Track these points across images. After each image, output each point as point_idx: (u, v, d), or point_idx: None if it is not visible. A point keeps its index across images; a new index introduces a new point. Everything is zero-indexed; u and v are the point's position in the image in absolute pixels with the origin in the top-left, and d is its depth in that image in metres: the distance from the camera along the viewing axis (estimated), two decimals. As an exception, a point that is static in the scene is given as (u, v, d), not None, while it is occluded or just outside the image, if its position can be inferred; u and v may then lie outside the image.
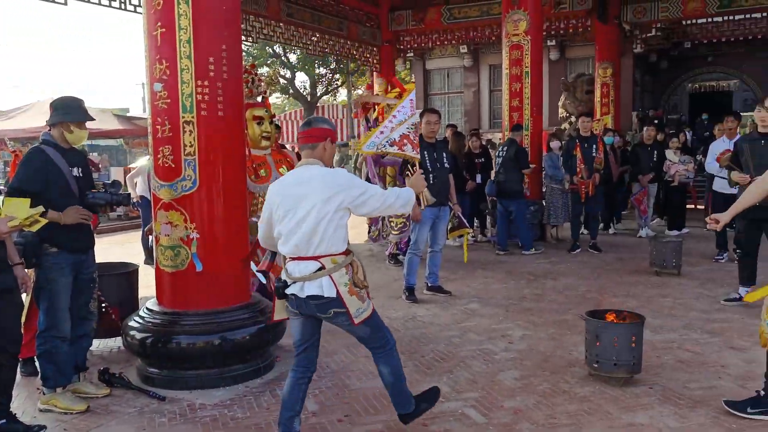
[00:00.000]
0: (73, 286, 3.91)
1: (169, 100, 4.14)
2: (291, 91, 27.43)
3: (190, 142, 4.14)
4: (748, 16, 15.10)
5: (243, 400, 3.97)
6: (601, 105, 14.75)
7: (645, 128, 10.35)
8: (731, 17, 15.13)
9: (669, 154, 9.96)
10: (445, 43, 17.16)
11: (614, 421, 3.48)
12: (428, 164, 6.19)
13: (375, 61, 15.93)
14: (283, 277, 3.08)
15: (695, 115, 20.95)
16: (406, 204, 3.21)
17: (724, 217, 4.01)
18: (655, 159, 9.74)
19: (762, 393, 3.49)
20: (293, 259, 3.04)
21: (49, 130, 3.92)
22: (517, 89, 9.66)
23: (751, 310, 5.45)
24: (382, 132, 5.36)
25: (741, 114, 10.42)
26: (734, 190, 7.58)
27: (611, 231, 10.51)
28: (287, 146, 6.89)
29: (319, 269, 2.98)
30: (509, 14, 9.64)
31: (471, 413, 3.65)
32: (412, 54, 19.82)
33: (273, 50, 25.74)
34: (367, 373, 4.34)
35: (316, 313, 3.05)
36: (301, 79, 29.48)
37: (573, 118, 14.86)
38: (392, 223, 6.80)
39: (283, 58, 26.39)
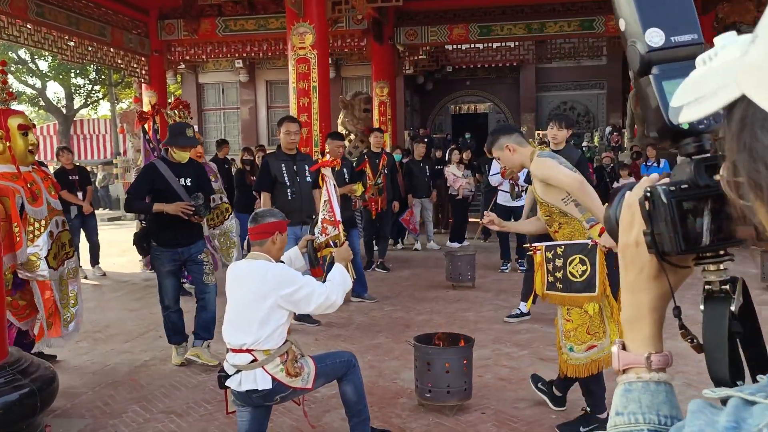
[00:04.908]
0: (186, 268, 5.03)
1: None
2: (42, 102, 24.31)
3: None
4: (503, 44, 16.62)
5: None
6: (380, 123, 15.10)
7: (415, 145, 10.65)
8: (489, 44, 16.51)
9: (453, 169, 10.36)
10: (221, 56, 16.42)
11: (459, 457, 3.23)
12: (286, 178, 5.63)
13: (143, 71, 14.63)
14: (225, 367, 3.07)
15: (458, 134, 22.58)
16: (346, 284, 3.20)
17: (503, 224, 3.86)
18: (428, 174, 10.08)
19: (588, 410, 3.50)
20: (232, 350, 3.05)
21: None
22: (305, 104, 9.35)
23: (545, 318, 5.67)
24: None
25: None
26: (516, 203, 8.04)
27: (399, 246, 10.63)
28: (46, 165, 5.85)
29: (252, 361, 2.99)
30: (294, 27, 9.31)
31: (302, 469, 3.16)
32: (183, 66, 18.69)
33: (18, 56, 22.61)
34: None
35: (264, 403, 3.05)
36: (54, 90, 26.44)
37: (352, 136, 15.04)
38: None
39: (30, 64, 23.31)
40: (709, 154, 0.75)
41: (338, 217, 4.48)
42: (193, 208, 4.67)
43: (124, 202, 4.80)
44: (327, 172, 4.66)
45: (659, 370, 0.78)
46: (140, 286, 8.02)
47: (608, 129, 19.35)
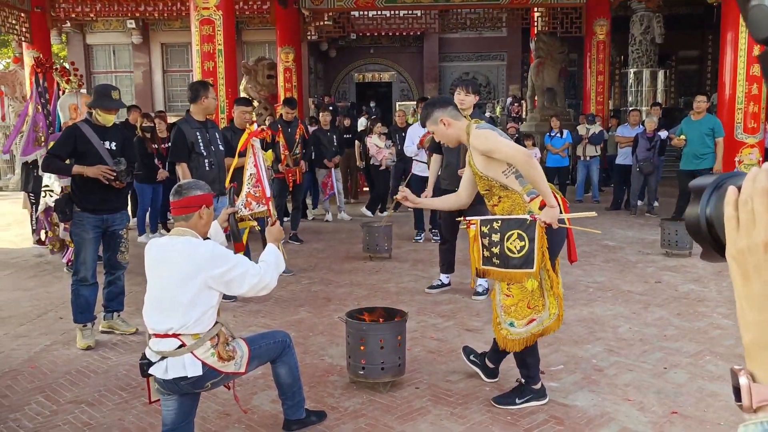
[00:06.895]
0: (102, 241, 4.66)
1: None
2: None
3: None
4: (410, 12, 16.49)
5: None
6: (285, 90, 14.66)
7: (321, 113, 10.37)
8: (396, 12, 16.34)
9: (375, 139, 10.27)
10: (111, 15, 15.33)
11: (399, 436, 3.14)
12: (202, 147, 5.26)
13: (24, 29, 13.40)
14: (147, 354, 2.81)
15: (362, 103, 22.40)
16: (280, 265, 2.99)
17: (417, 200, 3.71)
18: (335, 143, 9.84)
19: (523, 381, 3.50)
20: (155, 335, 2.79)
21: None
22: (211, 68, 8.88)
23: (466, 288, 5.70)
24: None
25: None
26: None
27: (310, 218, 10.41)
28: None
29: (180, 347, 2.74)
30: (197, -15, 8.77)
31: (235, 458, 2.97)
32: (69, 25, 17.32)
33: None
34: (79, 427, 3.32)
35: (193, 390, 2.83)
36: None
37: (255, 103, 14.51)
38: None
39: None
40: None
41: (268, 194, 4.23)
42: (115, 173, 4.47)
43: (41, 162, 4.72)
44: (256, 143, 4.38)
45: None
46: (32, 263, 7.39)
47: (509, 100, 19.79)
